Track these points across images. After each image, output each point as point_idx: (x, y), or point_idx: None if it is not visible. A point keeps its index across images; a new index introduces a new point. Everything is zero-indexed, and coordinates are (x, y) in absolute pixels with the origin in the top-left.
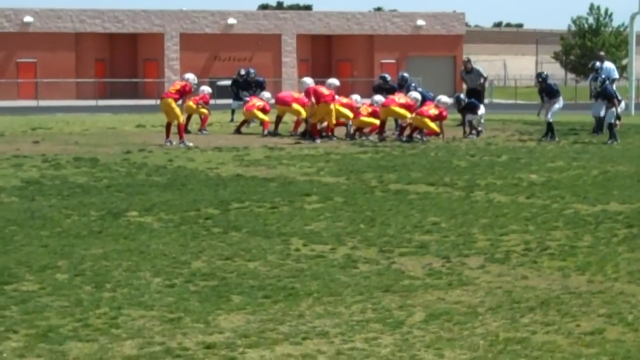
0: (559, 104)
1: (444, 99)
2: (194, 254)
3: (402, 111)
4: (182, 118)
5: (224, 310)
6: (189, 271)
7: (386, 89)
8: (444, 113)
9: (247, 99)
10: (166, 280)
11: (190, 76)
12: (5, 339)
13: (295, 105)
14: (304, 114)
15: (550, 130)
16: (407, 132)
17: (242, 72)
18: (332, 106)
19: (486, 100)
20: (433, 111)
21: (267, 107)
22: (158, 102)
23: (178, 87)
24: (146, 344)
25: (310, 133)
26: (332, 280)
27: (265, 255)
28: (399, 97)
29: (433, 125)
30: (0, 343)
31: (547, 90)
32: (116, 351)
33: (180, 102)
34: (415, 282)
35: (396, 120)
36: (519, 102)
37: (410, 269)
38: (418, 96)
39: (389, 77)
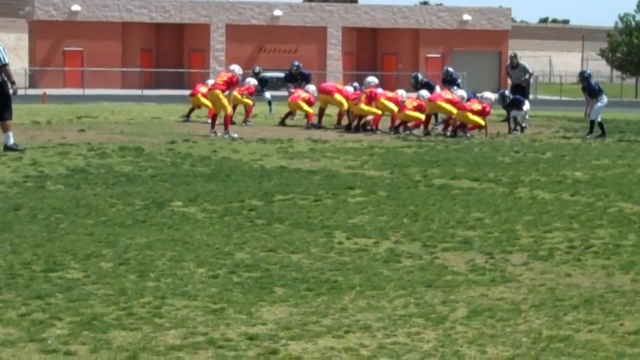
0: (601, 103)
1: (487, 94)
2: (237, 245)
3: (448, 107)
4: (230, 109)
5: (267, 302)
6: (232, 262)
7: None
8: (487, 109)
9: (292, 90)
10: (210, 271)
11: (236, 67)
12: (50, 326)
13: (338, 96)
14: (345, 105)
15: (600, 128)
16: (451, 127)
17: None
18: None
19: (531, 97)
20: (476, 106)
21: (312, 99)
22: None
23: (225, 78)
24: (189, 334)
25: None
26: (375, 274)
27: (309, 248)
28: (445, 93)
29: (476, 118)
30: (45, 330)
31: (588, 89)
32: (159, 340)
33: (227, 92)
34: (458, 278)
35: (436, 115)
36: (564, 98)
37: (453, 264)
38: (464, 94)
39: (420, 76)
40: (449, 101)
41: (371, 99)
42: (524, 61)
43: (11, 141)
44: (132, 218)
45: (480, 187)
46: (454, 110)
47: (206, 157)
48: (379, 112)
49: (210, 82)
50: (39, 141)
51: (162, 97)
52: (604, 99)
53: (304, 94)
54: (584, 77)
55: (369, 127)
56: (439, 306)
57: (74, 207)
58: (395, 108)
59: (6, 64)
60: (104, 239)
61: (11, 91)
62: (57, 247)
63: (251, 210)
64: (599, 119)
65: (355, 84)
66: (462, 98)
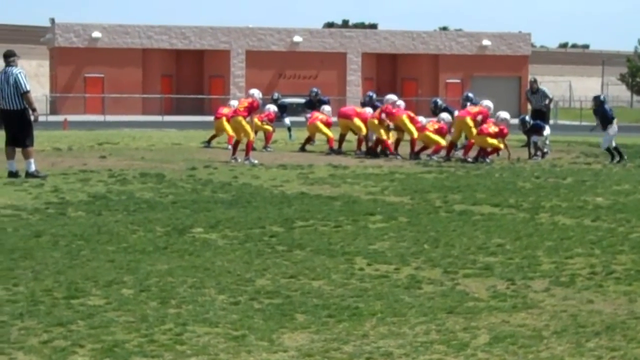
0: (612, 132)
1: (503, 114)
2: (258, 271)
3: (472, 123)
4: (252, 135)
5: (288, 329)
6: (253, 289)
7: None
8: (505, 130)
9: (308, 115)
10: (231, 298)
11: (255, 92)
12: (72, 354)
13: (357, 121)
14: (364, 130)
15: (618, 153)
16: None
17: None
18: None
19: (551, 122)
20: (493, 129)
21: (329, 121)
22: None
23: (246, 104)
24: None
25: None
26: (396, 301)
27: (330, 274)
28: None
29: (495, 142)
30: (66, 357)
31: (601, 113)
32: None
33: (248, 118)
34: (479, 304)
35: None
36: (584, 123)
37: (474, 290)
38: (448, 117)
39: (440, 101)
40: (474, 119)
41: (386, 115)
42: (543, 86)
43: (32, 168)
44: (153, 245)
45: (501, 213)
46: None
47: (227, 184)
48: (442, 141)
49: (233, 102)
50: (60, 168)
51: (183, 123)
52: (614, 128)
53: (321, 116)
54: (599, 101)
55: (389, 153)
56: (461, 333)
57: (95, 234)
58: (414, 130)
59: (27, 92)
60: (125, 266)
61: (32, 118)
62: (79, 274)
63: (272, 236)
64: (614, 144)
65: (421, 118)
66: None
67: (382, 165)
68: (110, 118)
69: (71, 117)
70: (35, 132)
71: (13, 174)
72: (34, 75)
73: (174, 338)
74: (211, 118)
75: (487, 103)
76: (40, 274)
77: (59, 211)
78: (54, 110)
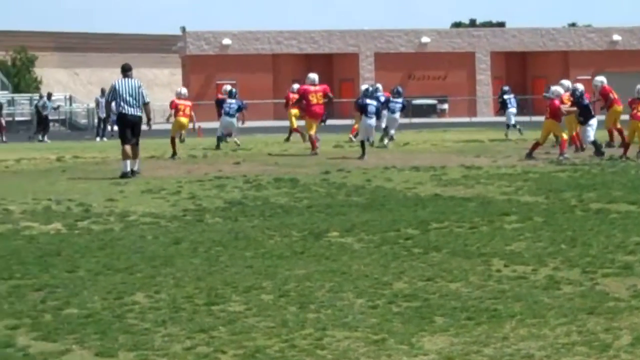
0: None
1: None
2: (395, 274)
3: None
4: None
5: (428, 332)
6: (391, 292)
7: None
8: None
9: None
10: (369, 301)
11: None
12: None
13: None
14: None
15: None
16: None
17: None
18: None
19: None
20: None
21: None
22: (352, 121)
23: None
24: None
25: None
26: (535, 302)
27: (467, 276)
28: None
29: None
30: None
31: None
32: None
33: None
34: (620, 304)
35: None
36: None
37: (614, 290)
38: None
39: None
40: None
41: (552, 112)
42: None
43: (137, 166)
44: (290, 249)
45: (638, 211)
46: None
47: (360, 187)
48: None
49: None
50: (196, 175)
51: None
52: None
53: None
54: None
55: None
56: (602, 334)
57: (232, 240)
58: (563, 132)
59: (148, 102)
60: (264, 271)
61: (147, 127)
62: (218, 280)
63: (407, 239)
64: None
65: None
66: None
67: (515, 165)
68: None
69: (205, 124)
70: (162, 140)
71: (127, 174)
72: (166, 84)
73: (315, 343)
74: (340, 122)
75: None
76: (181, 280)
77: (196, 218)
78: None
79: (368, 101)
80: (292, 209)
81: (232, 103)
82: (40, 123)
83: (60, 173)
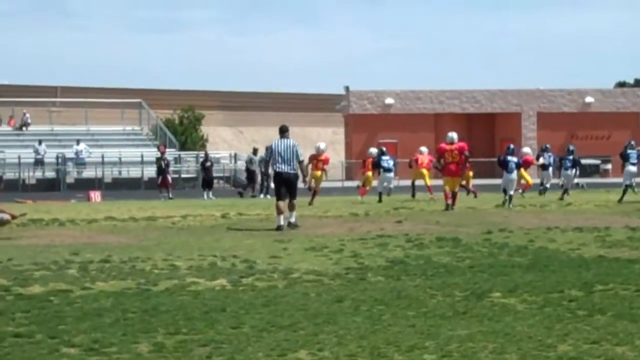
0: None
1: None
2: (559, 336)
3: None
4: None
5: None
6: (555, 355)
7: None
8: None
9: None
10: None
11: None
12: None
13: None
14: None
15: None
16: None
17: None
18: None
19: None
20: None
21: None
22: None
23: None
24: None
25: None
26: None
27: (633, 340)
28: None
29: None
30: None
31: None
32: None
33: None
34: None
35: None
36: None
37: None
38: None
39: None
40: None
41: None
42: None
43: (294, 219)
44: (452, 309)
45: None
46: None
47: (523, 247)
48: None
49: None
50: (358, 233)
51: (476, 186)
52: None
53: None
54: None
55: None
56: None
57: (395, 299)
58: None
59: (303, 160)
60: (426, 331)
61: (303, 185)
62: (381, 339)
63: (571, 300)
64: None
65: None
66: None
67: None
68: (403, 183)
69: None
70: (332, 198)
71: (280, 227)
72: (329, 142)
73: None
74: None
75: None
76: (344, 338)
77: (359, 276)
78: (349, 176)
79: (509, 158)
80: (454, 268)
81: (388, 159)
82: (250, 179)
83: (225, 230)
